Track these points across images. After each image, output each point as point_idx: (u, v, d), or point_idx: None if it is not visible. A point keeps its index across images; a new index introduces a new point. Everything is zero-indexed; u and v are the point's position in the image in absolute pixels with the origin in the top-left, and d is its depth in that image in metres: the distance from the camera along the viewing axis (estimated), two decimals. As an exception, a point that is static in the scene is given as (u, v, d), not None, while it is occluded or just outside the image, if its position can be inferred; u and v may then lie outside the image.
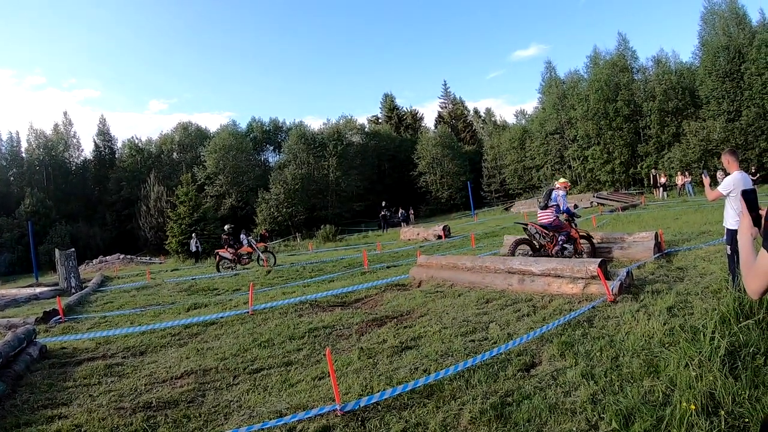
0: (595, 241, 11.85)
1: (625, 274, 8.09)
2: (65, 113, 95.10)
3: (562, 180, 11.96)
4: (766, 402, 3.72)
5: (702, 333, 5.03)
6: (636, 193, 40.50)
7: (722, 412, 3.66)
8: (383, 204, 43.32)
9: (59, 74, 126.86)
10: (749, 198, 2.07)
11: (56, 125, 69.92)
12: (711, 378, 4.10)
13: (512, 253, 11.27)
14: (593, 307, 7.10)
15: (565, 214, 11.51)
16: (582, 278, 8.23)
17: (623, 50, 50.25)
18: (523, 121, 66.40)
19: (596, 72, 50.09)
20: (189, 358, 7.23)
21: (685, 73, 46.59)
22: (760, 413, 3.59)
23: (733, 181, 6.88)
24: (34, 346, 8.41)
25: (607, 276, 7.99)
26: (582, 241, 11.68)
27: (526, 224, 11.97)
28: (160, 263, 35.77)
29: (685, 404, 3.73)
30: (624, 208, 28.48)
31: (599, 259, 8.33)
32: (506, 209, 47.90)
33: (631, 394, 4.17)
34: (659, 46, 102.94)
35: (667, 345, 5.14)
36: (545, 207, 11.51)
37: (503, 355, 5.47)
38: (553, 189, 11.61)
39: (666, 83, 45.09)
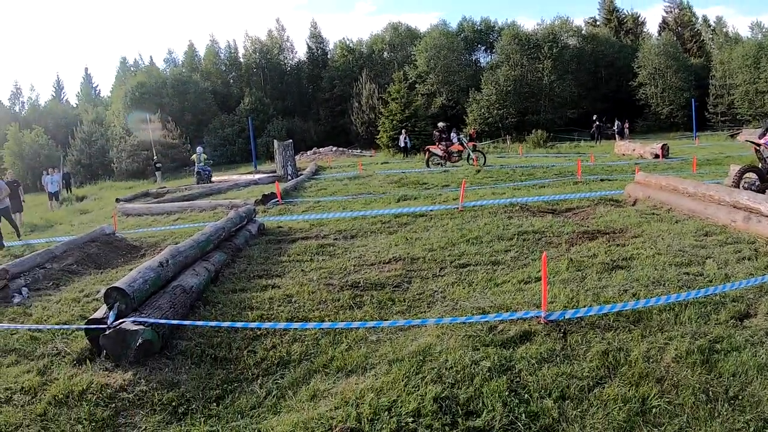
0: None
1: None
2: (278, 19, 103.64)
3: None
4: None
5: None
6: None
7: None
8: (594, 117, 41.29)
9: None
10: None
11: (270, 31, 73.94)
12: None
13: (737, 184, 10.15)
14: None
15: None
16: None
17: None
18: (760, 36, 57.23)
19: None
20: (398, 246, 7.64)
21: None
22: None
23: None
24: (254, 223, 9.58)
25: None
26: None
27: (759, 144, 10.65)
28: (371, 156, 37.37)
29: None
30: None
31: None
32: (731, 136, 42.63)
33: None
34: None
35: None
36: (763, 136, 10.33)
37: (717, 297, 5.03)
38: None
39: None
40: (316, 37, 75.71)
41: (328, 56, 74.88)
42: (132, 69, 73.09)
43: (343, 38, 74.13)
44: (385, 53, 71.69)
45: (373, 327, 4.60)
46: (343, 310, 5.26)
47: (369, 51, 71.72)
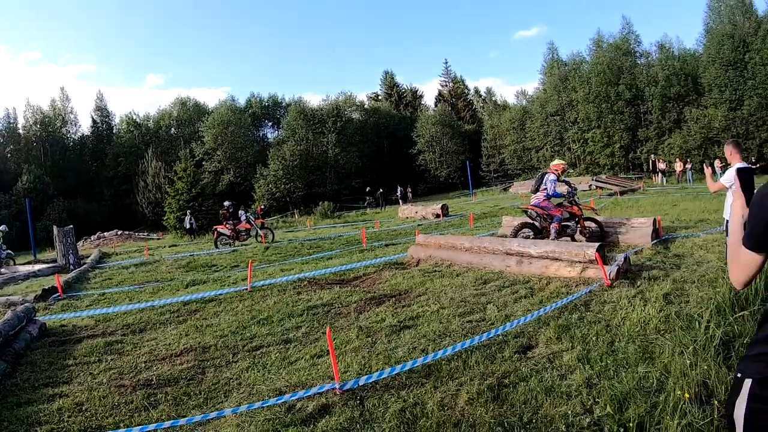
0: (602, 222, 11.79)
1: (622, 259, 8.11)
2: (62, 88, 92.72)
3: (555, 162, 11.65)
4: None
5: (697, 322, 5.09)
6: (635, 177, 40.52)
7: (715, 402, 3.68)
8: (368, 189, 44.41)
9: (54, 49, 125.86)
10: (744, 177, 2.05)
11: (53, 101, 68.93)
12: (705, 367, 4.13)
13: (515, 236, 11.19)
14: (590, 291, 7.13)
15: (565, 197, 11.45)
16: (580, 262, 8.27)
17: (627, 34, 49.95)
18: (524, 102, 65.72)
19: (599, 55, 49.88)
20: (188, 335, 7.25)
21: (688, 59, 46.31)
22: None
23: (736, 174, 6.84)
24: (34, 324, 8.38)
25: (605, 261, 8.05)
26: (588, 222, 11.67)
27: (526, 209, 11.84)
28: (158, 239, 35.85)
29: (679, 392, 3.77)
30: (622, 193, 28.53)
31: (597, 244, 8.37)
32: (504, 189, 48.05)
33: (626, 379, 4.21)
34: (663, 32, 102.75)
35: (662, 332, 5.20)
36: (536, 191, 11.42)
37: (500, 337, 5.52)
38: (546, 173, 11.41)
39: (669, 69, 44.87)
40: (102, 110, 71.41)
41: (114, 131, 70.97)
42: None
43: (130, 112, 71.51)
44: (173, 129, 69.70)
45: (171, 426, 4.30)
46: (138, 412, 4.82)
47: (156, 126, 69.39)
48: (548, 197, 11.21)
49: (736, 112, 39.98)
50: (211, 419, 4.41)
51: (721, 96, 41.18)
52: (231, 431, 4.14)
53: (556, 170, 11.40)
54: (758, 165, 33.45)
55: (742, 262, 1.93)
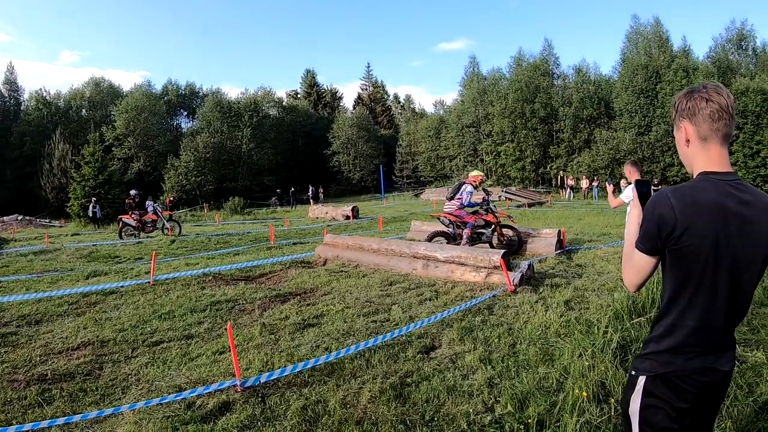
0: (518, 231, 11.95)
1: (526, 266, 8.25)
2: None
3: (474, 173, 11.78)
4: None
5: (596, 327, 5.26)
6: (543, 191, 42.02)
7: (612, 401, 3.84)
8: (278, 191, 44.37)
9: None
10: (642, 189, 2.11)
11: None
12: (603, 368, 4.28)
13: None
14: (494, 296, 7.24)
15: (480, 205, 11.55)
16: (485, 268, 8.34)
17: (547, 55, 51.85)
18: (441, 112, 67.09)
19: (518, 72, 51.33)
20: (86, 329, 6.90)
21: (603, 84, 48.69)
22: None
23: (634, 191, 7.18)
24: None
25: (510, 267, 8.13)
26: (506, 230, 11.83)
27: (439, 216, 11.89)
28: (61, 227, 33.93)
29: (577, 391, 3.89)
30: (530, 205, 29.46)
31: (502, 251, 8.46)
32: (416, 195, 48.84)
33: (527, 379, 4.34)
34: (582, 56, 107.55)
35: (562, 336, 5.33)
36: (451, 198, 11.49)
37: (404, 337, 5.58)
38: (464, 182, 11.51)
39: (583, 92, 46.86)
40: (11, 84, 65.84)
41: (22, 107, 65.78)
42: None
43: (41, 88, 66.09)
44: (84, 110, 65.42)
45: (65, 423, 4.08)
46: (32, 409, 4.57)
47: (67, 106, 64.82)
48: (462, 207, 11.31)
49: (644, 136, 42.21)
50: (108, 416, 4.23)
51: (630, 121, 43.43)
52: (128, 429, 3.98)
53: (474, 181, 11.53)
54: (660, 187, 35.43)
55: (635, 265, 2.04)
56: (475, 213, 11.51)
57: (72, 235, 24.47)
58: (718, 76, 40.17)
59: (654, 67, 43.37)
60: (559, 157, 47.71)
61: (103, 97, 64.92)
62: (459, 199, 11.32)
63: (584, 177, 39.88)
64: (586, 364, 4.37)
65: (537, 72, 49.94)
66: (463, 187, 11.35)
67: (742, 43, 45.55)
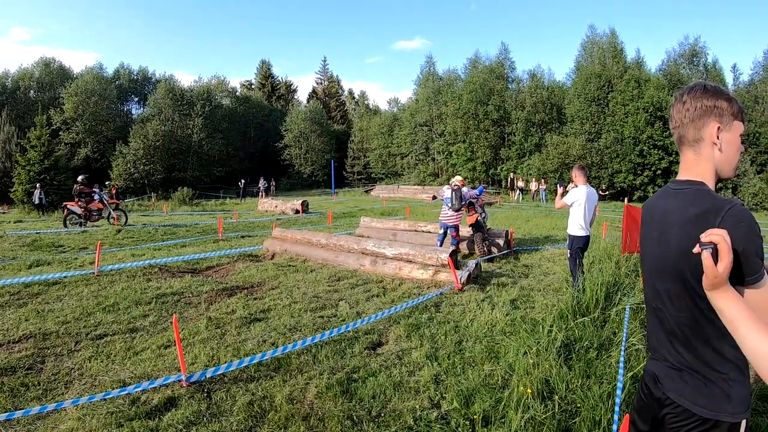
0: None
1: (473, 265, 8.33)
2: None
3: (459, 178, 11.62)
4: (596, 391, 3.99)
5: (541, 326, 5.35)
6: (493, 192, 42.43)
7: (556, 397, 3.93)
8: (242, 181, 43.82)
9: None
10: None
11: None
12: (547, 366, 4.37)
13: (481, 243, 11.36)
14: (441, 294, 7.31)
15: (471, 206, 11.52)
16: (432, 266, 8.40)
17: (503, 59, 52.27)
18: (395, 109, 67.21)
19: (473, 74, 51.73)
20: (28, 321, 6.68)
21: (556, 90, 49.45)
22: (590, 400, 3.86)
23: (578, 194, 7.48)
24: None
25: (457, 266, 8.18)
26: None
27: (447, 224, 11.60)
28: (3, 213, 32.40)
29: (522, 388, 3.98)
30: (480, 205, 29.62)
31: (450, 249, 8.54)
32: (366, 192, 48.80)
33: (473, 376, 4.42)
34: (537, 62, 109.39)
35: (508, 334, 5.40)
36: (459, 210, 11.25)
37: (351, 333, 5.62)
38: (456, 189, 11.28)
39: (537, 97, 47.47)
40: None
41: None
42: None
43: None
44: (32, 91, 62.11)
45: (6, 420, 3.96)
46: None
47: (14, 86, 61.25)
48: (477, 197, 11.59)
49: (594, 143, 43.06)
50: (50, 412, 4.14)
51: (581, 127, 44.30)
52: (72, 425, 3.90)
53: (463, 184, 11.53)
54: (608, 192, 36.40)
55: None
56: (458, 211, 11.39)
57: (15, 222, 23.47)
58: (669, 89, 41.30)
59: (607, 77, 44.39)
60: (509, 159, 48.27)
61: (52, 78, 62.00)
62: (474, 198, 11.45)
63: (534, 179, 40.54)
64: (531, 361, 4.45)
65: (492, 75, 50.38)
66: (463, 192, 11.25)
67: (694, 59, 46.66)
